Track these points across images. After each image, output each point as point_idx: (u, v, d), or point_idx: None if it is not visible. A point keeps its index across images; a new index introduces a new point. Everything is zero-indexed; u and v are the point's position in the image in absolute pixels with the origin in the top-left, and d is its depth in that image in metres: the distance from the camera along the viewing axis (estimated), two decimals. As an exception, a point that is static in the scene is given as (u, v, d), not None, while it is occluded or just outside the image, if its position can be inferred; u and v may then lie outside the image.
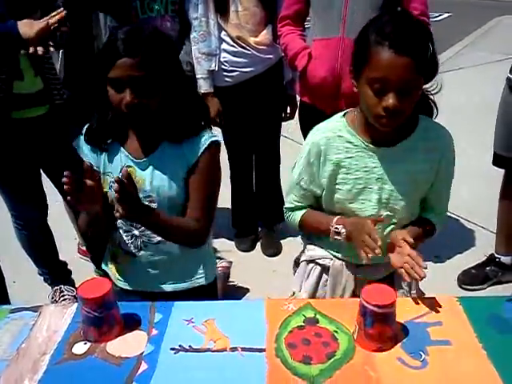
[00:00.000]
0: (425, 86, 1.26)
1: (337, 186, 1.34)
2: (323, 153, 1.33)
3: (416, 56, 1.13)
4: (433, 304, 1.22)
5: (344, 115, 1.35)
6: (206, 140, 1.37)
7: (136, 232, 1.44)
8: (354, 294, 1.42)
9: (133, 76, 1.22)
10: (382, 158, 1.30)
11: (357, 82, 1.23)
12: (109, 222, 1.43)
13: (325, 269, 1.48)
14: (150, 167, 1.37)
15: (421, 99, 1.26)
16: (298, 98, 2.34)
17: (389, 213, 1.34)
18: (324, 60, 2.03)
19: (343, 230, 1.31)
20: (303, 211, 1.45)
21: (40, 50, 1.67)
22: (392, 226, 1.37)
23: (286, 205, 1.48)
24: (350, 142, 1.31)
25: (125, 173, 1.21)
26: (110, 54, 1.23)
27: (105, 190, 1.40)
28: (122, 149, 1.39)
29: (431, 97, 1.33)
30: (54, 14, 1.68)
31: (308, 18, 2.18)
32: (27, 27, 1.65)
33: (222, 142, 2.65)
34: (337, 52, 1.97)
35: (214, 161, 1.40)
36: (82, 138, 1.42)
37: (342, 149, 1.31)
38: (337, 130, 1.33)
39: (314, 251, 1.49)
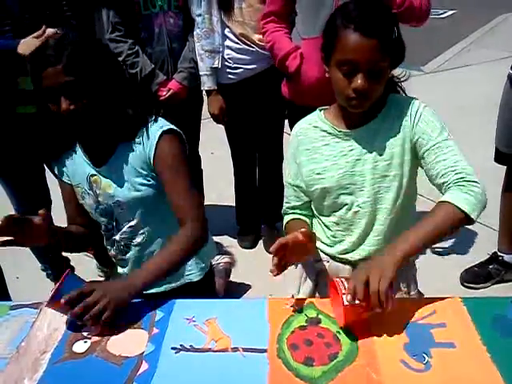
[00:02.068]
0: (394, 73, 1.30)
1: (318, 176, 1.34)
2: (301, 143, 1.37)
3: (381, 37, 1.16)
4: (436, 305, 1.21)
5: (321, 110, 1.39)
6: (156, 131, 1.33)
7: (116, 237, 1.45)
8: None
9: (62, 82, 1.20)
10: (356, 140, 1.31)
11: (328, 68, 1.26)
12: (81, 237, 1.47)
13: (320, 271, 1.47)
14: (112, 172, 1.37)
15: (390, 86, 1.30)
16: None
17: (378, 194, 1.31)
18: (315, 61, 1.98)
19: None
20: (290, 217, 1.46)
21: None
22: (379, 208, 1.33)
23: (282, 209, 1.50)
24: (324, 131, 1.34)
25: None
26: (38, 65, 1.22)
27: (80, 201, 1.45)
28: (83, 157, 1.40)
29: (400, 84, 1.35)
30: (51, 33, 1.67)
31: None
32: (25, 47, 1.67)
33: (226, 139, 2.66)
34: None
35: (172, 150, 1.34)
36: (52, 163, 1.47)
37: (318, 138, 1.35)
38: (313, 121, 1.38)
39: None
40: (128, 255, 1.47)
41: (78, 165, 1.42)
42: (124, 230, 1.44)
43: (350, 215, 1.36)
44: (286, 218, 1.48)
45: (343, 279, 1.13)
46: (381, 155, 1.30)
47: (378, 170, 1.30)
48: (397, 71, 1.32)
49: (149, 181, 1.37)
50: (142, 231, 1.44)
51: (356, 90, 1.19)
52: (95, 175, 1.39)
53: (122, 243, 1.46)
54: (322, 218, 1.43)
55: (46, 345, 1.14)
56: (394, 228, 1.37)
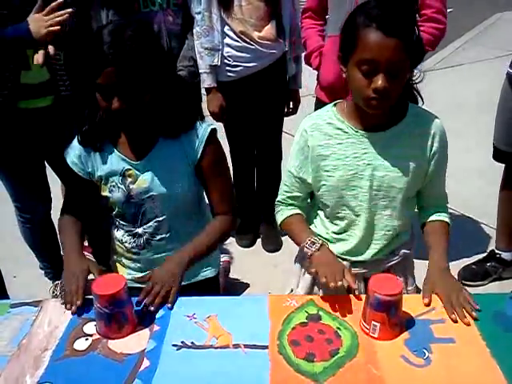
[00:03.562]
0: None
1: (327, 173, 1.34)
2: (313, 138, 1.34)
3: (404, 37, 1.15)
4: (436, 301, 1.22)
5: (334, 105, 1.37)
6: (205, 130, 1.37)
7: (139, 230, 1.44)
8: (349, 291, 1.41)
9: (120, 83, 1.19)
10: (371, 144, 1.30)
11: (345, 67, 1.24)
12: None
13: None
14: (149, 167, 1.37)
15: (405, 87, 1.28)
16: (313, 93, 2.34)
17: (381, 201, 1.33)
18: (334, 59, 2.01)
19: (317, 246, 1.30)
20: (290, 212, 1.45)
21: (51, 49, 1.66)
22: (386, 218, 1.36)
23: (278, 197, 1.49)
24: (340, 129, 1.32)
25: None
26: (97, 60, 1.19)
27: (105, 193, 1.42)
28: (115, 151, 1.38)
29: (415, 86, 1.34)
30: (62, 12, 1.65)
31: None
32: (37, 26, 1.63)
33: (224, 137, 2.65)
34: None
35: (219, 148, 1.43)
36: (73, 144, 1.41)
37: (332, 135, 1.33)
38: (327, 117, 1.35)
39: None
40: (145, 249, 1.46)
41: (110, 158, 1.38)
42: (150, 224, 1.43)
43: (352, 216, 1.37)
44: (284, 211, 1.46)
45: None
46: (394, 166, 1.30)
47: (388, 178, 1.30)
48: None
49: (187, 179, 1.39)
50: (167, 228, 1.44)
51: (376, 90, 1.16)
52: (130, 170, 1.37)
53: (145, 237, 1.45)
54: (324, 213, 1.43)
55: (47, 342, 1.14)
56: (394, 234, 1.40)
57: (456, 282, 1.26)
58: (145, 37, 1.24)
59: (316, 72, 2.27)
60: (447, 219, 1.41)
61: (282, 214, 1.46)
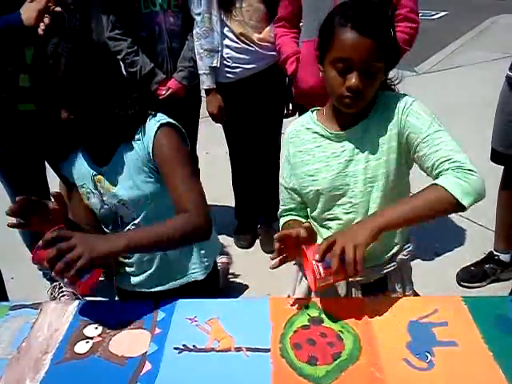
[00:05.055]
0: (388, 76, 1.30)
1: (311, 178, 1.34)
2: (293, 145, 1.37)
3: (378, 38, 1.16)
4: (438, 304, 1.21)
5: (313, 111, 1.39)
6: (153, 125, 1.33)
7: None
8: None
9: (62, 95, 1.23)
10: (348, 140, 1.31)
11: (322, 66, 1.26)
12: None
13: None
14: (114, 171, 1.37)
15: (384, 89, 1.30)
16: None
17: (371, 194, 1.30)
18: (312, 64, 2.01)
19: None
20: (287, 218, 1.45)
21: (39, 31, 1.66)
22: (373, 208, 1.33)
23: (278, 211, 1.49)
24: (317, 133, 1.34)
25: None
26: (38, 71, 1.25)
27: (85, 201, 1.45)
28: (83, 158, 1.41)
29: (393, 87, 1.35)
30: None
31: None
32: (27, 13, 1.65)
33: (224, 137, 2.65)
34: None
35: (171, 142, 1.33)
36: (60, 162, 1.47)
37: (310, 139, 1.35)
38: (305, 123, 1.38)
39: None
40: (134, 254, 1.46)
41: (82, 165, 1.42)
42: (128, 228, 1.43)
43: (344, 216, 1.36)
44: (283, 220, 1.47)
45: (314, 249, 1.13)
46: (372, 154, 1.29)
47: (370, 169, 1.30)
48: (390, 74, 1.32)
49: (151, 177, 1.37)
50: None
51: (350, 89, 1.18)
52: (98, 175, 1.39)
53: None
54: (316, 219, 1.42)
55: (47, 345, 1.14)
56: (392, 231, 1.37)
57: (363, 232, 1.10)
58: (79, 43, 1.27)
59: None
60: (442, 182, 1.13)
61: (281, 223, 1.47)
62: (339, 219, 1.37)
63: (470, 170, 1.14)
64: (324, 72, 1.25)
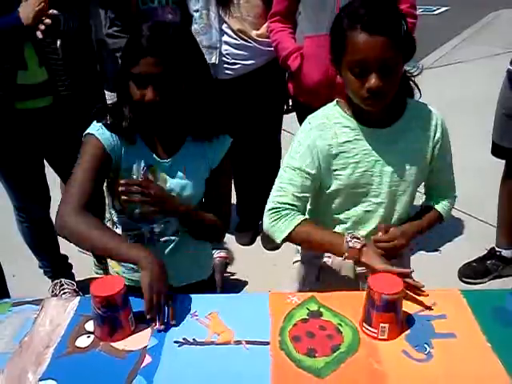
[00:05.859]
0: (406, 68, 1.28)
1: (336, 172, 1.32)
2: (321, 139, 1.30)
3: (391, 34, 1.14)
4: (436, 297, 1.22)
5: (336, 103, 1.35)
6: (228, 141, 1.41)
7: (144, 230, 1.42)
8: (353, 290, 1.41)
9: (155, 74, 1.21)
10: (378, 140, 1.30)
11: (339, 70, 1.24)
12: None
13: (322, 267, 1.47)
14: (173, 167, 1.37)
15: (402, 81, 1.27)
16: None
17: (395, 197, 1.34)
18: (317, 59, 2.04)
19: (362, 240, 1.27)
20: (300, 218, 1.31)
21: (38, 34, 1.67)
22: (398, 214, 1.37)
23: (278, 200, 1.33)
24: (347, 127, 1.31)
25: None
26: (135, 50, 1.23)
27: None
28: (143, 145, 1.36)
29: (413, 79, 1.35)
30: None
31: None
32: (26, 12, 1.66)
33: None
34: (329, 49, 1.95)
35: (230, 162, 1.45)
36: (101, 126, 1.32)
37: (340, 133, 1.31)
38: (332, 117, 1.32)
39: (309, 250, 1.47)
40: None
41: (135, 151, 1.35)
42: (157, 224, 1.41)
43: (361, 214, 1.36)
44: (292, 219, 1.30)
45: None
46: (401, 160, 1.31)
47: (397, 173, 1.31)
48: (407, 66, 1.30)
49: (203, 183, 1.42)
50: (175, 229, 1.43)
51: (370, 90, 1.16)
52: (153, 166, 1.36)
53: (149, 236, 1.43)
54: (332, 214, 1.40)
55: (49, 340, 1.14)
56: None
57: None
58: (185, 35, 1.29)
59: None
60: (442, 210, 1.43)
61: (289, 220, 1.30)
62: (355, 218, 1.37)
63: (455, 197, 1.48)
64: (343, 76, 1.23)
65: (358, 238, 1.27)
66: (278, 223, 1.31)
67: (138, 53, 1.22)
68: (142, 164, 1.36)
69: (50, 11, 1.69)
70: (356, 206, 1.36)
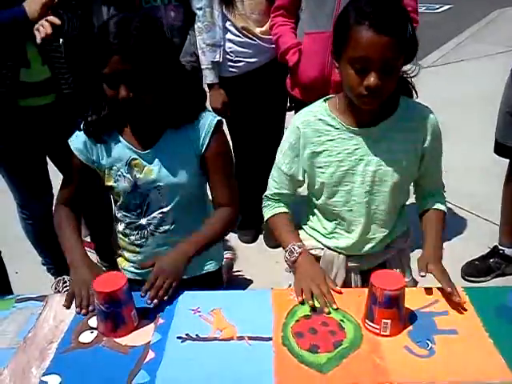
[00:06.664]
0: (403, 69, 1.27)
1: (319, 170, 1.34)
2: (304, 135, 1.33)
3: (397, 35, 1.14)
4: (439, 294, 1.22)
5: (325, 100, 1.36)
6: (211, 121, 1.38)
7: (143, 221, 1.44)
8: (345, 284, 1.43)
9: (125, 71, 1.20)
10: (363, 139, 1.30)
11: (338, 63, 1.24)
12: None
13: (316, 259, 1.46)
14: (156, 157, 1.37)
15: (400, 82, 1.27)
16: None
17: (374, 196, 1.34)
18: (314, 55, 2.04)
19: (295, 256, 1.32)
20: (277, 210, 1.44)
21: (38, 39, 1.66)
22: (382, 213, 1.37)
23: (266, 192, 1.47)
24: (331, 125, 1.31)
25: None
26: (101, 50, 1.21)
27: (109, 183, 1.42)
28: (122, 140, 1.38)
29: (410, 80, 1.34)
30: None
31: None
32: (31, 6, 1.65)
33: (227, 132, 2.65)
34: (327, 47, 1.95)
35: (224, 140, 1.43)
36: (77, 133, 1.40)
37: (323, 131, 1.32)
38: (318, 113, 1.33)
39: (305, 242, 1.47)
40: (149, 241, 1.47)
41: (116, 147, 1.38)
42: (154, 215, 1.43)
43: (347, 212, 1.37)
44: (272, 208, 1.45)
45: None
46: (385, 160, 1.30)
47: (380, 174, 1.31)
48: (406, 66, 1.29)
49: (192, 170, 1.40)
50: (171, 219, 1.44)
51: (368, 88, 1.16)
52: (137, 159, 1.37)
53: (148, 228, 1.45)
54: (319, 210, 1.43)
55: (53, 335, 1.15)
56: (390, 227, 1.41)
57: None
58: (150, 27, 1.25)
59: None
60: (443, 207, 1.43)
61: (269, 209, 1.46)
62: (341, 215, 1.38)
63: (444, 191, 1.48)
64: (340, 69, 1.22)
65: (292, 252, 1.33)
66: (264, 209, 1.49)
67: (105, 53, 1.20)
68: (125, 159, 1.38)
69: (51, 18, 1.68)
70: (340, 203, 1.36)
